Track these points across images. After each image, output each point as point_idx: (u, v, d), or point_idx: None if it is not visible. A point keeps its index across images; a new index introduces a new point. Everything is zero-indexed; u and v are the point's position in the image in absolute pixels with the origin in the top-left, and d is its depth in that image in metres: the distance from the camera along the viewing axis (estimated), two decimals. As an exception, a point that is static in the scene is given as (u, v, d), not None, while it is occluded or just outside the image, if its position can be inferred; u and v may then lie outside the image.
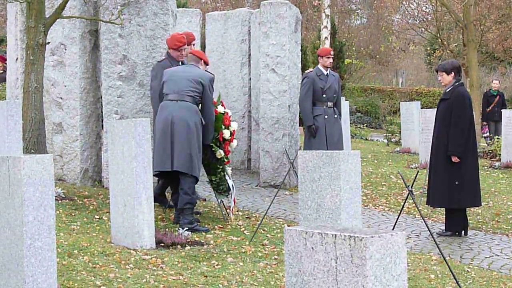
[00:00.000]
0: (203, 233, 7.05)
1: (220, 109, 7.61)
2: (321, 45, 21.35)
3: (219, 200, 7.90)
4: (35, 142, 7.88)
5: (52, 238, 4.24)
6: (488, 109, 17.66)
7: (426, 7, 27.26)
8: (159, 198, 7.81)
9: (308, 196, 5.47)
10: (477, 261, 6.82)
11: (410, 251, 6.99)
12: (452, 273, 5.60)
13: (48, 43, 8.12)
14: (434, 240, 5.88)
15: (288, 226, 7.23)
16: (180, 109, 7.20)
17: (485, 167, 13.01)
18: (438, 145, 7.78)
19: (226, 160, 7.69)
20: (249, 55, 11.33)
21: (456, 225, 7.81)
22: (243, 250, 6.50)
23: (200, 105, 7.38)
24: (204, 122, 7.32)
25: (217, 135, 7.54)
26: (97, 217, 7.36)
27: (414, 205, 8.89)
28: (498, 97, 17.73)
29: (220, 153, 7.55)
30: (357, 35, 35.40)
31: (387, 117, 25.67)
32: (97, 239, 6.49)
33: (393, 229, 6.59)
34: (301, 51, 11.14)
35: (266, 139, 10.17)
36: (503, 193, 10.58)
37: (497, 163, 13.30)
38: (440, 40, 25.74)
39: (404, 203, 6.79)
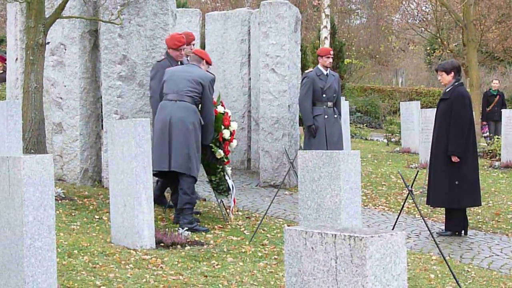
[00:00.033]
0: (203, 233, 7.05)
1: (220, 109, 7.61)
2: (320, 45, 21.35)
3: (219, 200, 7.90)
4: (35, 142, 7.88)
5: (52, 238, 4.24)
6: (488, 109, 17.65)
7: (426, 6, 27.27)
8: (158, 199, 7.80)
9: (308, 196, 5.47)
10: (477, 261, 6.82)
11: (410, 251, 6.98)
12: (452, 273, 5.60)
13: (48, 43, 8.12)
14: (434, 240, 5.88)
15: (288, 226, 7.23)
16: (179, 109, 7.20)
17: (485, 167, 13.01)
18: (438, 145, 7.78)
19: (226, 160, 7.69)
20: (249, 55, 11.33)
21: (456, 225, 7.81)
22: (243, 250, 6.50)
23: (200, 105, 7.38)
24: (203, 123, 7.32)
25: (217, 136, 7.54)
26: (97, 217, 7.36)
27: (414, 205, 8.89)
28: (498, 96, 17.73)
29: (219, 153, 7.55)
30: (357, 35, 35.41)
31: (387, 117, 25.65)
32: (97, 239, 6.50)
33: (393, 229, 6.59)
34: (301, 51, 11.14)
35: (266, 139, 10.17)
36: (503, 193, 10.59)
37: (497, 163, 13.30)
38: (440, 40, 25.75)
39: (404, 203, 6.79)
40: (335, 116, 9.65)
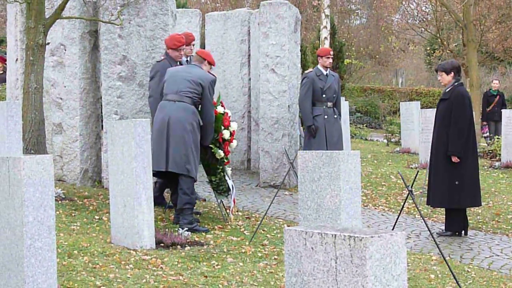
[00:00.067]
0: (203, 233, 7.05)
1: (219, 109, 7.61)
2: (320, 45, 21.35)
3: (219, 201, 7.91)
4: (35, 142, 7.88)
5: (52, 238, 4.24)
6: (488, 109, 17.65)
7: (425, 7, 27.26)
8: (158, 199, 7.79)
9: (308, 196, 5.47)
10: (477, 261, 6.82)
11: (410, 251, 6.99)
12: (452, 273, 5.60)
13: (48, 43, 8.12)
14: (434, 240, 5.88)
15: (288, 226, 7.23)
16: (177, 110, 7.20)
17: (485, 167, 13.00)
18: (438, 145, 7.78)
19: (226, 161, 7.69)
20: (249, 55, 11.33)
21: (456, 225, 7.81)
22: (243, 250, 6.50)
23: (200, 106, 7.38)
24: (202, 123, 7.31)
25: (217, 136, 7.54)
26: (97, 217, 7.36)
27: (414, 205, 8.88)
28: (498, 97, 17.73)
29: (219, 153, 7.55)
30: (357, 35, 35.42)
31: (387, 117, 25.66)
32: (97, 239, 6.50)
33: (393, 229, 6.59)
34: (300, 51, 11.14)
35: (266, 139, 10.17)
36: (503, 193, 10.58)
37: (497, 163, 13.30)
38: (440, 40, 25.74)
39: (404, 203, 6.79)
40: (335, 116, 9.64)
